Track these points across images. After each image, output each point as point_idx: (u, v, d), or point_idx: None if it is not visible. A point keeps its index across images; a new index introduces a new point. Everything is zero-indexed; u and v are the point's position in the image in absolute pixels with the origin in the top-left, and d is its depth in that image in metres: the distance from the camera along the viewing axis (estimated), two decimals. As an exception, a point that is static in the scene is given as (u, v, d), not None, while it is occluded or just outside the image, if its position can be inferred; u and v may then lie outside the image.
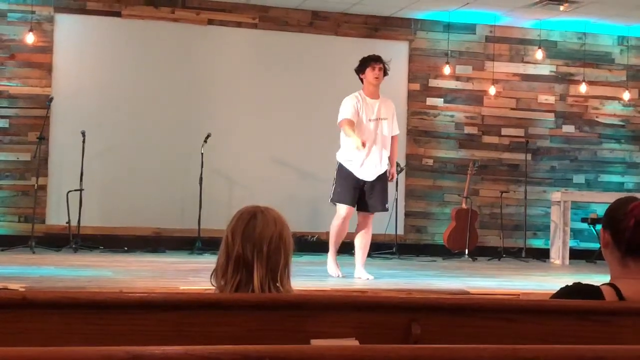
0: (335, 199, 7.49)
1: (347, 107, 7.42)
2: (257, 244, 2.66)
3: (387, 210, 7.81)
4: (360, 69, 7.50)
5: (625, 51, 12.21)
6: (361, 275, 7.41)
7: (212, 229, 10.39)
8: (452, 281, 7.43)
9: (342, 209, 7.44)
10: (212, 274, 2.75)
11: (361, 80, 7.53)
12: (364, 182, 7.41)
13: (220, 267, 2.71)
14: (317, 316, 2.27)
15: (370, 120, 7.42)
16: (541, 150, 11.98)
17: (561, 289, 2.65)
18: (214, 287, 2.75)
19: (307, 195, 10.87)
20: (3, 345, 1.93)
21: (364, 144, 7.17)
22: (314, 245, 10.50)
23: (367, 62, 7.45)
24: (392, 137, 7.65)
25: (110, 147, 10.64)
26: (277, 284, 2.68)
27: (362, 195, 7.43)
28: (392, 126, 7.60)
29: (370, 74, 7.42)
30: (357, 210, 7.55)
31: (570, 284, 2.66)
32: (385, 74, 7.49)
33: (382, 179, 7.48)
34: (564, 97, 12.10)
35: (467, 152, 11.72)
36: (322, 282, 6.87)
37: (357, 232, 7.57)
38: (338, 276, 7.40)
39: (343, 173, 7.44)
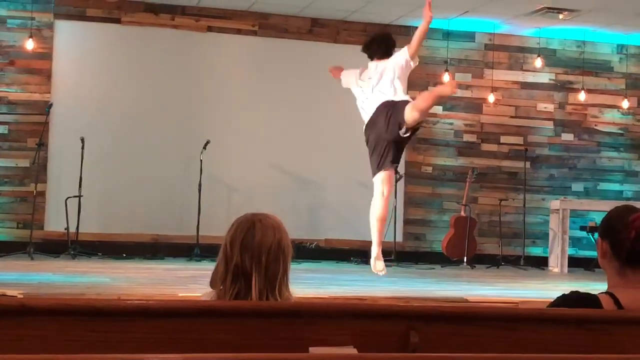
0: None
1: None
2: (255, 254, 2.64)
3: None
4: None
5: (624, 60, 12.23)
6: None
7: (211, 236, 10.38)
8: (450, 289, 7.42)
9: None
10: (211, 281, 2.74)
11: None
12: None
13: (219, 276, 2.70)
14: (315, 324, 2.26)
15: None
16: (540, 158, 11.99)
17: (558, 297, 2.65)
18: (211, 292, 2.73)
19: (306, 202, 10.87)
20: (1, 352, 1.93)
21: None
22: (313, 252, 10.51)
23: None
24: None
25: (109, 154, 10.64)
26: (275, 293, 2.67)
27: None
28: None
29: None
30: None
31: (567, 292, 2.65)
32: None
33: None
34: (563, 105, 12.11)
35: (466, 160, 11.73)
36: (321, 290, 6.86)
37: None
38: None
39: None
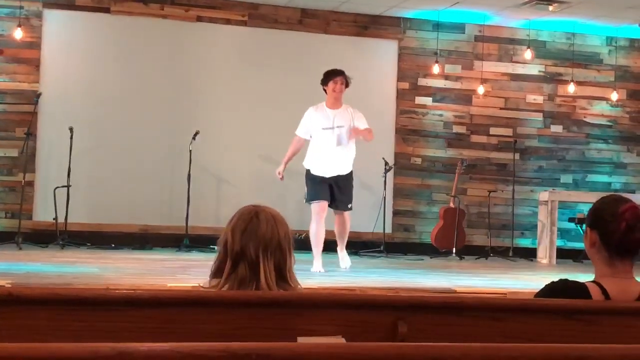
0: (309, 199, 8.28)
1: (301, 123, 8.42)
2: (260, 243, 2.66)
3: (350, 209, 8.34)
4: (324, 82, 8.27)
5: (614, 52, 12.25)
6: (340, 261, 8.31)
7: (200, 226, 10.39)
8: (439, 280, 7.44)
9: (316, 206, 8.17)
10: (211, 274, 2.73)
11: (325, 91, 8.32)
12: (329, 178, 8.15)
13: (219, 266, 2.70)
14: (304, 314, 2.27)
15: (324, 129, 8.16)
16: (529, 149, 12.01)
17: (547, 285, 2.66)
18: (203, 286, 2.72)
19: (294, 193, 10.83)
20: (-12, 341, 1.92)
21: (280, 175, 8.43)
22: (301, 243, 10.48)
23: (330, 77, 8.22)
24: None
25: (98, 144, 10.61)
26: (288, 281, 2.69)
27: (333, 194, 8.20)
28: (359, 125, 8.19)
29: (331, 87, 8.20)
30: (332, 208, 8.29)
31: (556, 280, 2.66)
32: (346, 85, 8.22)
33: (347, 179, 8.24)
34: (552, 97, 12.13)
35: (455, 151, 11.74)
36: (309, 280, 6.86)
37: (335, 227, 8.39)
38: (319, 271, 7.82)
39: (310, 175, 8.27)
